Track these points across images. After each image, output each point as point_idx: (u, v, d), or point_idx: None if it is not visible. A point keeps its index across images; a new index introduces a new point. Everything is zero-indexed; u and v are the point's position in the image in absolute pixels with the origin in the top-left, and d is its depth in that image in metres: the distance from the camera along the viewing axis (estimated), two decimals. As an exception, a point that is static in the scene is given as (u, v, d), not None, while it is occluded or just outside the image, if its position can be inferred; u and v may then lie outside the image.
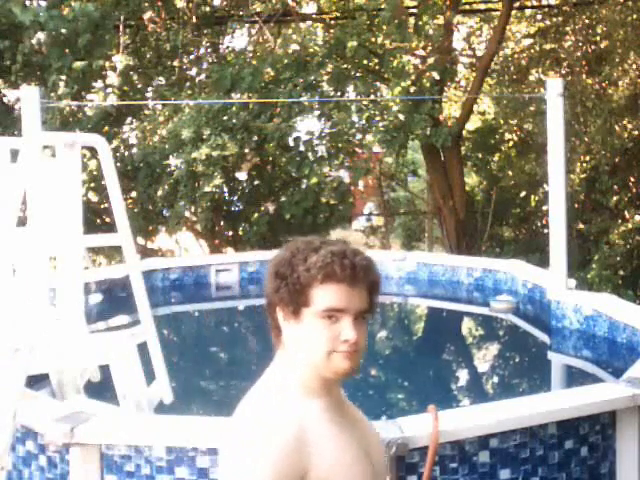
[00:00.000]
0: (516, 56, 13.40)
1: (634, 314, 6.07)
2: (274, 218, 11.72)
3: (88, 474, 3.62)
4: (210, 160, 10.57)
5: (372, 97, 12.17)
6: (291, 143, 11.74)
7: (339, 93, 12.20)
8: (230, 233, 12.34)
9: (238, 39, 14.35)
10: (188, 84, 12.76)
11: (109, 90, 11.13)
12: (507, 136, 14.21)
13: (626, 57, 11.27)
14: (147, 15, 12.36)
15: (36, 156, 4.38)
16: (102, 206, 10.97)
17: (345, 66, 11.88)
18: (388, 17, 10.68)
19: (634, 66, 11.37)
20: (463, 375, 6.99)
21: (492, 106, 14.58)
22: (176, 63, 12.77)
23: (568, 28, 12.30)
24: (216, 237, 12.34)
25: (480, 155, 14.29)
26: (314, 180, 11.58)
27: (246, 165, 11.75)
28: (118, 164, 9.85)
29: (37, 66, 10.23)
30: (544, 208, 11.40)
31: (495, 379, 6.78)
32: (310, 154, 11.78)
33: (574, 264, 9.07)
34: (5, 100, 11.31)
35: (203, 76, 12.93)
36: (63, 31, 9.79)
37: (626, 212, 11.49)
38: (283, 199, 11.73)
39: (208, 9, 13.21)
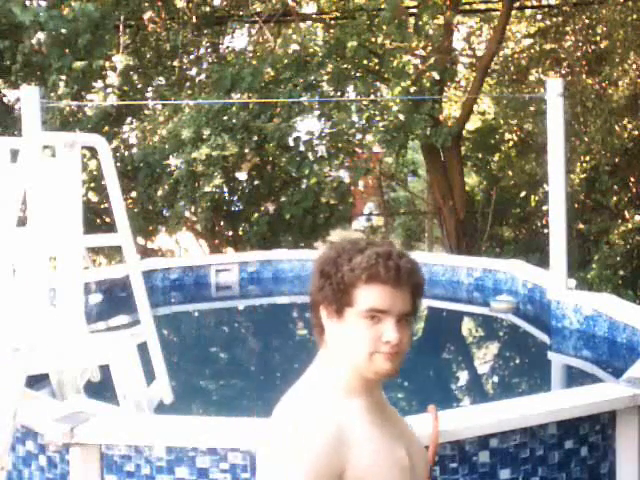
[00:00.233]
0: (516, 56, 13.40)
1: (634, 314, 6.06)
2: (274, 218, 11.72)
3: (88, 474, 3.62)
4: (210, 160, 10.57)
5: (372, 97, 12.17)
6: (291, 143, 11.74)
7: (339, 93, 12.21)
8: (230, 233, 12.34)
9: (238, 39, 14.37)
10: (188, 84, 12.77)
11: (109, 90, 11.13)
12: (507, 136, 14.21)
13: (626, 57, 11.27)
14: (147, 15, 12.36)
15: (36, 156, 4.38)
16: (102, 206, 10.97)
17: (345, 66, 11.88)
18: (388, 17, 10.68)
19: (634, 66, 11.37)
20: (463, 375, 6.99)
21: (492, 106, 14.59)
22: (176, 63, 12.77)
23: (568, 28, 12.30)
24: (216, 237, 12.34)
25: (480, 155, 14.30)
26: (314, 180, 11.58)
27: (246, 165, 11.75)
28: (118, 164, 9.86)
29: (37, 66, 10.23)
30: (544, 208, 11.40)
31: (495, 379, 6.78)
32: (310, 154, 11.79)
33: (574, 264, 9.07)
34: (5, 100, 11.31)
35: (203, 76, 12.93)
36: (63, 31, 9.79)
37: (626, 212, 11.49)
38: (283, 199, 11.74)
39: (208, 9, 13.20)
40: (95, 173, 10.66)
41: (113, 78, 11.14)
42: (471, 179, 14.96)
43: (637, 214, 11.23)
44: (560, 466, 3.77)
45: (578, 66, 11.99)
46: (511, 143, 14.15)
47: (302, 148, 11.80)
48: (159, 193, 11.34)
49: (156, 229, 12.26)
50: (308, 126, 12.09)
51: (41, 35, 9.91)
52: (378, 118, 11.90)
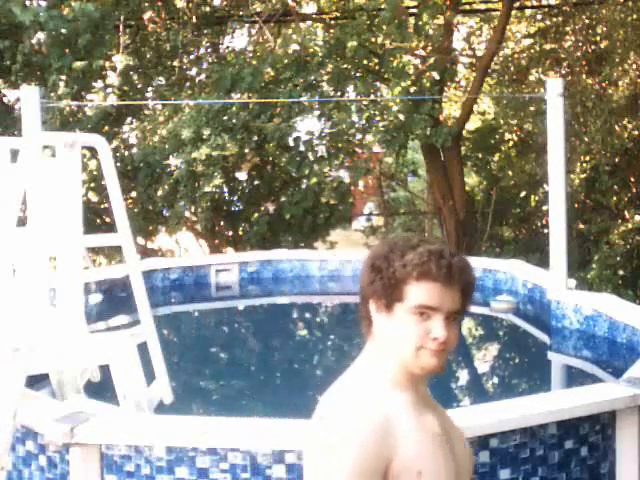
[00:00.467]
0: (516, 56, 13.40)
1: (634, 314, 6.07)
2: (274, 218, 11.72)
3: (88, 474, 3.62)
4: (210, 160, 10.57)
5: (372, 97, 12.17)
6: (291, 143, 11.74)
7: (339, 93, 12.21)
8: (230, 233, 12.34)
9: (238, 39, 14.37)
10: (188, 84, 12.77)
11: (109, 90, 11.13)
12: (507, 136, 14.20)
13: (626, 57, 11.27)
14: (147, 15, 12.36)
15: (36, 156, 4.38)
16: (102, 206, 10.97)
17: (345, 66, 11.88)
18: (388, 17, 10.68)
19: (634, 66, 11.37)
20: (463, 375, 6.99)
21: (492, 106, 14.59)
22: (176, 63, 12.77)
23: (568, 28, 12.30)
24: (216, 237, 12.34)
25: (480, 155, 14.29)
26: (314, 180, 11.59)
27: (246, 165, 11.75)
28: (118, 164, 9.85)
29: (37, 66, 10.24)
30: (544, 208, 11.40)
31: (495, 379, 6.78)
32: (310, 154, 11.79)
33: (574, 264, 9.07)
34: (5, 100, 11.31)
35: (203, 76, 12.93)
36: (63, 31, 9.79)
37: (626, 212, 11.49)
38: (283, 199, 11.74)
39: (208, 9, 13.20)
40: (95, 173, 10.66)
41: (113, 78, 11.14)
42: (471, 179, 14.96)
43: (637, 214, 11.22)
44: (560, 466, 3.77)
45: (578, 66, 11.98)
46: (511, 143, 14.15)
47: (302, 148, 11.81)
48: (159, 193, 11.34)
49: (156, 229, 12.26)
50: (308, 126, 12.10)
51: (41, 35, 9.92)
52: (378, 118, 11.90)
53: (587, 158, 11.82)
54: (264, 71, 11.27)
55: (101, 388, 4.66)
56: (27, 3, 10.38)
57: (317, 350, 7.81)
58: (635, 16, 11.43)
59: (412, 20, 11.70)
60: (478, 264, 8.64)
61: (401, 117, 11.15)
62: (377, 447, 1.68)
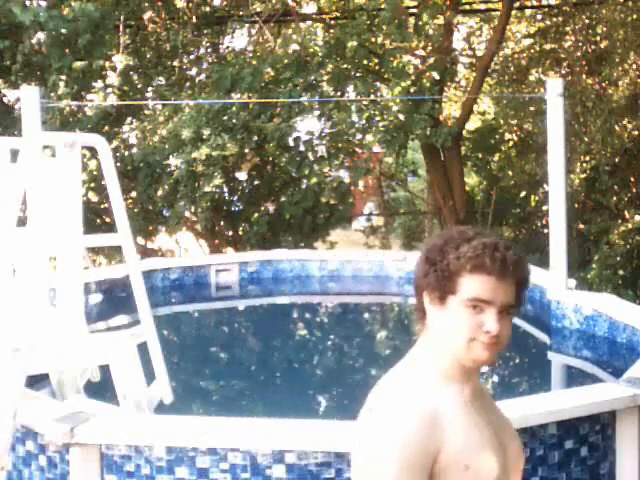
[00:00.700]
0: (516, 56, 13.40)
1: (634, 314, 6.07)
2: (274, 218, 11.72)
3: (88, 474, 3.62)
4: (210, 160, 10.57)
5: (372, 97, 12.18)
6: (291, 143, 11.74)
7: (339, 93, 12.21)
8: (230, 233, 12.34)
9: (238, 39, 14.37)
10: (188, 84, 12.77)
11: (109, 90, 11.13)
12: (507, 136, 14.21)
13: (626, 57, 11.27)
14: (147, 15, 12.36)
15: (36, 156, 4.38)
16: (102, 206, 10.97)
17: (345, 66, 11.88)
18: (388, 17, 10.69)
19: (634, 66, 11.37)
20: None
21: (492, 106, 14.59)
22: (176, 63, 12.77)
23: (568, 28, 12.30)
24: (216, 237, 12.34)
25: (480, 155, 14.30)
26: (314, 180, 11.59)
27: (246, 165, 11.75)
28: (118, 164, 9.85)
29: (37, 66, 10.24)
30: (544, 208, 11.39)
31: (495, 379, 6.78)
32: (310, 154, 11.79)
33: (574, 264, 9.07)
34: (5, 100, 11.31)
35: (203, 76, 12.93)
36: (63, 31, 9.79)
37: (626, 212, 11.49)
38: (283, 199, 11.74)
39: (208, 9, 13.20)
40: (95, 173, 10.66)
41: (113, 78, 11.14)
42: (471, 179, 14.97)
43: (637, 214, 11.22)
44: (560, 466, 3.77)
45: (578, 66, 11.98)
46: (511, 143, 14.15)
47: (302, 148, 11.81)
48: (159, 193, 11.34)
49: (156, 229, 12.26)
50: (308, 126, 12.10)
51: (41, 35, 9.92)
52: (378, 118, 11.91)
53: (587, 158, 11.82)
54: (264, 71, 11.27)
55: (101, 388, 4.65)
56: (27, 3, 10.39)
57: (317, 350, 7.81)
58: (635, 16, 11.43)
59: (412, 20, 11.71)
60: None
61: (401, 117, 11.15)
62: (424, 439, 1.68)
